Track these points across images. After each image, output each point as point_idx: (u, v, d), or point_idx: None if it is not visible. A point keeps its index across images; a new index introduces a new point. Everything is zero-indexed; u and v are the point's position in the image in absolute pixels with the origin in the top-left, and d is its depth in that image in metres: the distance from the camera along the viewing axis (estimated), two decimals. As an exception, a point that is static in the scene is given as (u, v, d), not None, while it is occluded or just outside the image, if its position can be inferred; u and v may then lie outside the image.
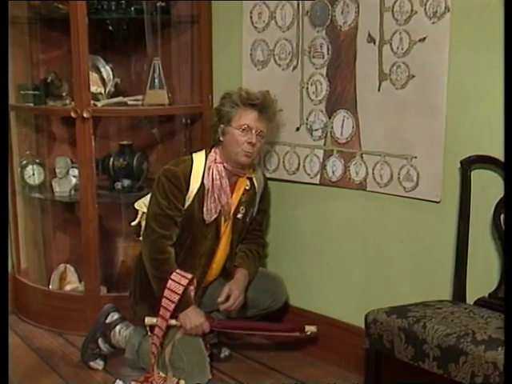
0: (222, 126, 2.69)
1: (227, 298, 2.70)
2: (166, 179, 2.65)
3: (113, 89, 3.27)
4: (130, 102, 3.22)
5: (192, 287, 2.65)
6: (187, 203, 2.67)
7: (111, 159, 3.24)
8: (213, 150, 2.73)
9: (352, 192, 2.78)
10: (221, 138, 2.70)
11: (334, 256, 2.91)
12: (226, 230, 2.78)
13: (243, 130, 2.65)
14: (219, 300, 2.70)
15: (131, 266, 3.07)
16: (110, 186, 3.27)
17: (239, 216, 2.78)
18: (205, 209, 2.68)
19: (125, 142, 3.27)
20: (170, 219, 2.65)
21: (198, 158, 2.72)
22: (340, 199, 2.85)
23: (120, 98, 3.24)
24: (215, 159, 2.70)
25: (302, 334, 2.82)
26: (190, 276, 2.63)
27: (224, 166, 2.69)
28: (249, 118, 2.65)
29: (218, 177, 2.67)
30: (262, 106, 2.66)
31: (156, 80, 3.14)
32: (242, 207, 2.78)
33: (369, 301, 2.66)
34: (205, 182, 2.67)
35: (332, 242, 2.91)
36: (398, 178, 2.61)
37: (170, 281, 2.60)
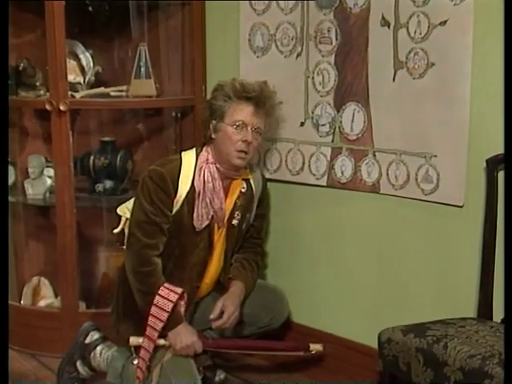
0: (213, 121, 2.69)
1: (221, 315, 2.70)
2: (151, 181, 2.64)
3: (93, 78, 3.26)
4: (112, 93, 3.21)
5: (182, 302, 2.65)
6: (175, 208, 2.67)
7: (91, 158, 3.23)
8: (204, 149, 2.73)
9: (363, 195, 2.79)
10: (213, 136, 2.70)
11: (342, 267, 2.92)
12: (219, 238, 2.78)
13: (237, 126, 2.64)
14: (212, 317, 2.70)
15: (114, 279, 3.08)
16: (90, 188, 3.27)
17: (234, 222, 2.78)
18: (195, 214, 2.68)
19: (107, 139, 3.27)
20: (156, 226, 2.65)
21: (188, 158, 2.72)
22: (350, 203, 2.86)
23: (101, 89, 3.24)
24: (207, 159, 2.69)
25: (306, 354, 2.83)
26: (179, 290, 2.62)
27: (217, 167, 2.69)
28: (244, 112, 2.65)
29: (210, 178, 2.67)
30: (259, 98, 2.66)
31: (142, 68, 3.14)
32: (237, 212, 2.78)
33: (382, 318, 2.68)
34: (195, 184, 2.67)
35: (341, 251, 2.92)
36: (416, 179, 2.62)
37: (157, 296, 2.59)
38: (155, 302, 2.59)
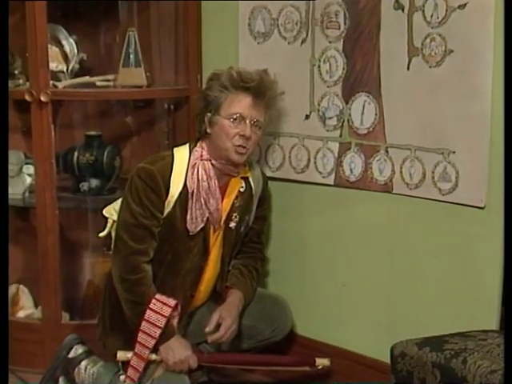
0: (208, 114, 2.69)
1: (217, 327, 2.69)
2: (140, 180, 2.64)
3: (77, 66, 3.26)
4: (98, 83, 3.21)
5: (175, 313, 2.66)
6: (167, 210, 2.67)
7: (75, 154, 3.23)
8: (198, 144, 2.73)
9: (375, 195, 2.80)
10: (208, 130, 2.70)
11: (352, 275, 2.92)
12: (215, 242, 2.79)
13: (235, 119, 2.64)
14: (207, 329, 2.69)
15: (100, 287, 3.08)
16: (74, 188, 3.27)
17: (232, 225, 2.79)
18: (189, 217, 2.68)
19: (92, 133, 3.27)
20: (146, 230, 2.65)
21: (181, 154, 2.72)
22: (360, 204, 2.86)
23: (86, 78, 3.23)
24: (201, 155, 2.69)
25: (312, 369, 2.82)
26: (173, 303, 2.62)
27: (212, 164, 2.69)
28: (241, 104, 2.65)
29: (204, 177, 2.67)
30: (258, 88, 2.66)
31: (131, 56, 3.14)
32: (235, 214, 2.78)
33: (395, 330, 2.70)
34: (188, 183, 2.67)
35: (349, 257, 2.92)
36: (432, 177, 2.62)
37: (148, 311, 2.59)
38: (146, 317, 2.59)
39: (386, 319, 2.82)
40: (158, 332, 2.58)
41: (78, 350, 2.85)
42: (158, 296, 2.62)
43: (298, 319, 3.04)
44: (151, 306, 2.60)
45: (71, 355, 2.84)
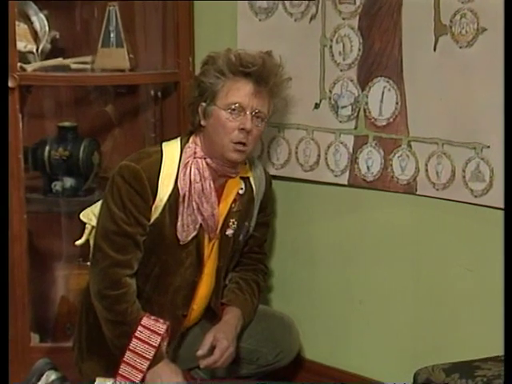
0: (203, 104, 2.69)
1: (212, 350, 2.70)
2: (122, 180, 2.64)
3: (49, 46, 3.26)
4: (73, 66, 3.22)
5: (165, 335, 2.66)
6: (154, 215, 2.67)
7: (46, 148, 3.23)
8: (191, 139, 2.73)
9: (396, 197, 2.81)
10: (202, 122, 2.70)
11: (369, 290, 2.94)
12: (210, 253, 2.79)
13: (233, 110, 2.64)
14: (200, 352, 2.69)
15: (75, 305, 3.09)
16: (46, 188, 3.27)
17: (230, 233, 2.79)
18: (179, 223, 2.68)
19: (66, 124, 3.28)
20: (129, 239, 2.65)
21: (171, 151, 2.72)
22: (378, 207, 2.88)
23: (59, 60, 3.24)
24: (194, 152, 2.70)
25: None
26: (163, 329, 2.63)
27: (207, 163, 2.69)
28: (241, 92, 2.65)
29: (198, 177, 2.67)
30: (261, 74, 2.65)
31: (112, 34, 3.16)
32: (233, 220, 2.79)
33: (420, 353, 2.71)
34: (179, 184, 2.67)
35: (367, 270, 2.93)
36: (463, 176, 2.62)
37: (133, 340, 2.60)
38: (132, 346, 2.60)
39: (409, 342, 2.83)
40: (144, 365, 2.60)
41: (49, 377, 2.86)
42: (145, 321, 2.62)
43: (306, 341, 3.06)
44: (137, 334, 2.60)
45: (42, 382, 2.84)
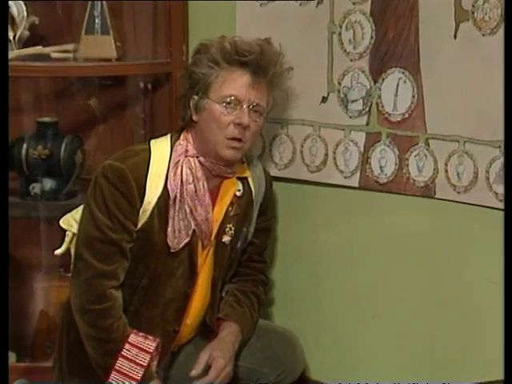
0: (195, 97, 2.69)
1: (207, 369, 2.69)
2: (106, 182, 2.63)
3: (27, 33, 3.26)
4: (54, 55, 3.22)
5: (155, 353, 2.66)
6: (142, 220, 2.67)
7: (24, 146, 3.24)
8: (182, 136, 2.74)
9: (412, 200, 2.82)
10: (194, 117, 2.70)
11: (382, 304, 2.95)
12: (204, 262, 2.79)
13: (228, 103, 2.64)
14: (194, 372, 2.68)
15: (55, 320, 3.13)
16: (23, 190, 3.29)
17: (226, 239, 2.79)
18: (170, 229, 2.68)
19: (46, 119, 3.29)
20: (114, 246, 2.64)
21: (160, 149, 2.72)
22: (392, 212, 2.90)
23: (39, 48, 3.24)
24: (186, 150, 2.70)
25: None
26: (152, 347, 2.63)
27: (200, 161, 2.69)
28: (237, 84, 2.65)
29: (190, 178, 2.67)
30: (258, 63, 2.65)
31: (96, 20, 3.16)
32: (230, 225, 2.79)
33: (439, 375, 2.75)
34: (170, 186, 2.67)
35: (380, 281, 2.94)
36: (487, 178, 2.62)
37: (119, 359, 2.59)
38: (118, 366, 2.59)
39: (426, 362, 2.83)
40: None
41: (27, 400, 2.88)
42: (132, 338, 2.62)
43: (310, 360, 3.06)
44: (124, 352, 2.60)
45: (19, 405, 2.87)
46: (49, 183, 3.24)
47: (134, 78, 3.38)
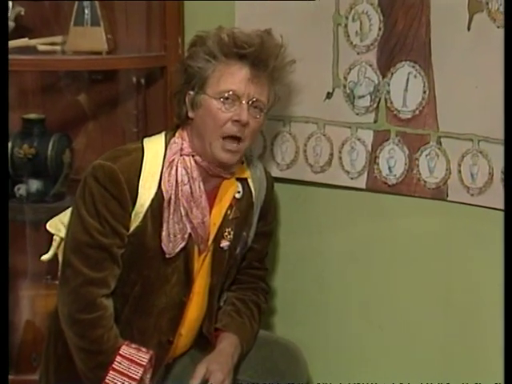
0: (191, 92, 2.69)
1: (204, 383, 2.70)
2: (96, 183, 2.62)
3: (12, 24, 3.25)
4: (41, 48, 3.23)
5: (148, 366, 2.65)
6: (134, 224, 2.67)
7: (9, 145, 3.22)
8: (177, 134, 2.74)
9: (423, 203, 2.82)
10: (190, 114, 2.70)
11: (391, 313, 2.95)
12: (201, 268, 2.79)
13: (226, 99, 2.64)
14: (190, 387, 2.71)
15: (42, 331, 3.13)
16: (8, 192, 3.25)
17: (224, 244, 2.79)
18: (164, 233, 2.67)
19: (32, 116, 3.30)
20: (105, 252, 2.63)
21: (154, 147, 2.72)
22: (402, 215, 2.90)
23: (25, 41, 3.24)
24: (181, 149, 2.69)
25: None
26: (145, 360, 2.61)
27: (196, 161, 2.69)
28: (235, 78, 2.64)
29: (186, 178, 2.66)
30: (258, 56, 2.64)
31: (86, 11, 3.16)
32: (228, 229, 2.78)
33: None
34: (164, 187, 2.66)
35: (388, 289, 2.95)
36: (502, 179, 2.60)
37: (110, 372, 2.58)
38: (110, 378, 2.58)
39: (438, 375, 2.82)
40: None
41: (12, 415, 2.90)
42: (124, 350, 2.61)
43: (315, 373, 3.06)
44: (115, 365, 2.59)
45: (4, 421, 2.86)
46: (35, 184, 3.25)
47: (126, 73, 3.38)
